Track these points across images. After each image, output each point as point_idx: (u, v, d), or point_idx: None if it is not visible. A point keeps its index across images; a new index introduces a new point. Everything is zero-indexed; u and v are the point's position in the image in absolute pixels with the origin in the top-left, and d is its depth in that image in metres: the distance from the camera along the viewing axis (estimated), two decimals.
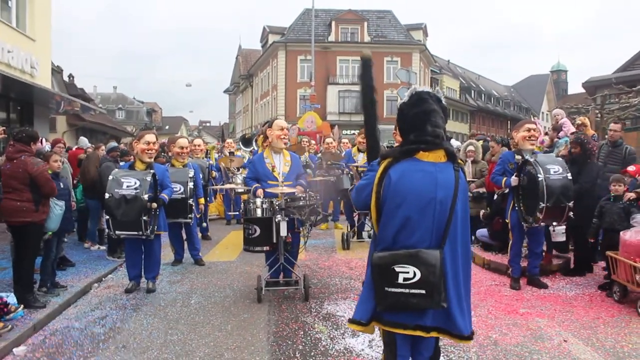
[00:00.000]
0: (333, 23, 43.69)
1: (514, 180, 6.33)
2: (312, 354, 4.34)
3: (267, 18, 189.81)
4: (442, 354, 4.27)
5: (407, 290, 2.77)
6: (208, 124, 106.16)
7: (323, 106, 38.43)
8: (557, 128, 9.52)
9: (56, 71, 25.95)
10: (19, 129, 5.81)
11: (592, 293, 6.18)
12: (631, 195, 6.12)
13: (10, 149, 5.73)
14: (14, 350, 4.44)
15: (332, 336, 4.75)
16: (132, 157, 7.50)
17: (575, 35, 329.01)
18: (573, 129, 9.07)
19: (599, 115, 25.21)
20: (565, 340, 4.63)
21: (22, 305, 5.04)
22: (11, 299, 4.94)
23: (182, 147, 7.88)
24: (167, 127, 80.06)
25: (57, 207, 5.77)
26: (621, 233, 5.76)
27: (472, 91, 63.26)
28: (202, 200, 8.24)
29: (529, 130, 6.48)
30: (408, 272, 2.77)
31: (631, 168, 6.75)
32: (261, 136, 10.40)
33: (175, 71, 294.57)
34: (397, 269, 2.78)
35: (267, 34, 47.68)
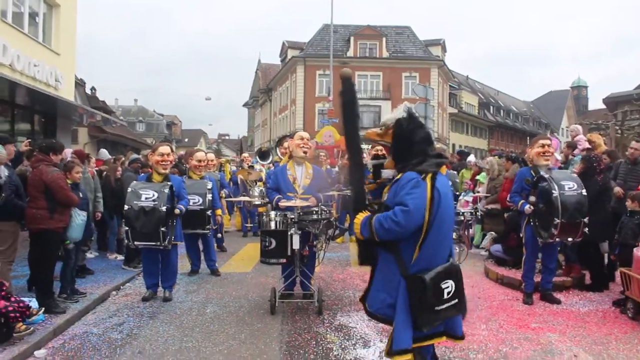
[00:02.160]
0: (352, 38, 44.00)
1: (527, 209, 6.35)
2: None
3: (286, 33, 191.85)
4: None
5: (450, 304, 2.94)
6: (227, 137, 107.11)
7: (341, 121, 38.63)
8: (572, 145, 9.51)
9: (79, 84, 26.55)
10: (42, 140, 6.04)
11: (606, 309, 6.16)
12: (628, 203, 6.24)
13: (33, 159, 5.97)
14: (35, 353, 4.60)
15: (343, 346, 4.82)
16: (150, 168, 7.70)
17: (595, 50, 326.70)
18: (586, 146, 9.05)
19: (619, 131, 25.03)
20: (575, 356, 4.64)
21: (43, 309, 5.19)
22: (33, 303, 5.09)
23: (199, 160, 8.06)
24: (186, 140, 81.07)
25: (79, 217, 5.97)
26: (635, 250, 5.76)
27: (491, 107, 63.04)
28: (219, 212, 8.37)
29: (543, 146, 6.52)
30: (449, 287, 2.93)
31: None
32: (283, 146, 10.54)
33: (195, 85, 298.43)
34: (443, 286, 2.94)
35: (286, 49, 48.18)
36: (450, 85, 51.65)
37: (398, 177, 3.22)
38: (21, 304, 4.73)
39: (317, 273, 7.42)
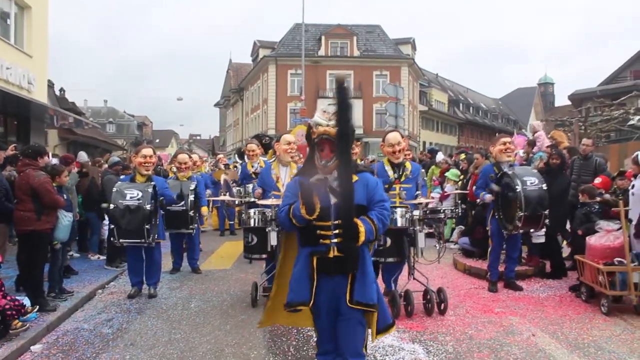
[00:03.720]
0: (323, 38, 44.38)
1: (487, 197, 6.84)
2: (305, 348, 4.78)
3: (257, 32, 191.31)
4: (421, 346, 4.76)
5: None
6: (198, 137, 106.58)
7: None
8: (531, 142, 10.05)
9: (48, 85, 26.31)
10: (27, 146, 6.26)
11: (563, 294, 6.68)
12: (580, 196, 6.90)
13: (19, 163, 6.20)
14: (32, 347, 4.85)
15: None
16: (131, 170, 7.95)
17: (562, 48, 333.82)
18: (547, 143, 9.59)
19: (583, 127, 25.93)
20: (533, 335, 5.11)
21: (37, 307, 5.44)
22: (26, 301, 5.32)
23: (180, 163, 8.34)
24: (157, 141, 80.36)
25: (65, 218, 6.21)
26: (587, 238, 6.28)
27: (461, 104, 64.19)
28: (204, 209, 8.68)
29: (504, 143, 7.01)
30: None
31: (597, 180, 7.28)
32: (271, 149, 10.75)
33: (166, 85, 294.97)
34: None
35: (257, 48, 48.30)
36: (420, 84, 52.46)
37: (355, 178, 3.41)
38: (17, 302, 4.98)
39: None
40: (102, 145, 33.61)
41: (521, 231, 6.75)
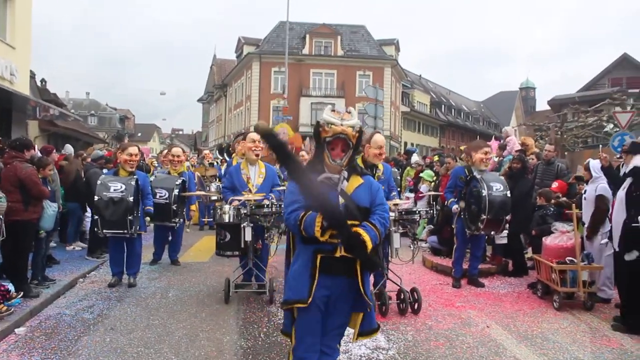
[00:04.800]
0: (307, 36, 44.70)
1: (454, 208, 7.22)
2: (275, 334, 5.12)
3: (242, 29, 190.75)
4: (383, 335, 5.12)
5: None
6: (181, 132, 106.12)
7: (295, 118, 39.26)
8: (502, 147, 10.51)
9: (30, 76, 26.18)
10: (15, 138, 6.48)
11: (521, 291, 7.11)
12: (538, 199, 7.37)
13: (6, 155, 6.43)
14: (16, 330, 5.12)
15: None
16: (114, 164, 8.20)
17: (544, 53, 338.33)
18: (517, 147, 10.05)
19: (559, 133, 26.59)
20: (488, 326, 5.52)
21: (22, 292, 5.69)
22: (11, 286, 5.57)
23: (173, 155, 8.62)
24: (139, 135, 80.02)
25: (50, 208, 6.47)
26: (543, 238, 6.72)
27: (443, 106, 64.95)
28: (193, 207, 8.97)
29: (485, 153, 7.27)
30: None
31: (554, 185, 7.73)
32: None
33: (149, 79, 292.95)
34: None
35: (242, 44, 48.43)
36: (403, 84, 53.02)
37: (360, 181, 3.56)
38: (2, 288, 5.25)
39: (270, 262, 8.08)
40: (83, 138, 33.43)
41: (482, 233, 7.13)
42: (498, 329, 5.46)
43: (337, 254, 3.34)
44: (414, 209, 6.49)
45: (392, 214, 5.74)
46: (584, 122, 26.45)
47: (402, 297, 5.93)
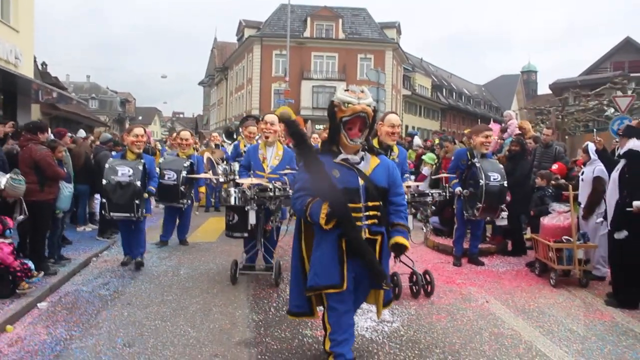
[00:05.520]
0: (308, 19, 44.56)
1: (457, 191, 7.33)
2: (284, 309, 5.33)
3: (243, 11, 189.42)
4: (388, 309, 5.35)
5: None
6: (181, 115, 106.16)
7: (297, 101, 39.32)
8: (503, 130, 10.70)
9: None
10: (30, 122, 6.68)
11: (520, 269, 7.37)
12: (538, 180, 7.55)
13: (22, 138, 6.65)
14: (38, 305, 5.39)
15: None
16: (123, 147, 8.39)
17: (546, 36, 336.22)
18: (517, 131, 10.24)
19: (560, 117, 26.70)
20: (487, 301, 5.78)
21: (42, 272, 5.94)
22: (31, 264, 5.81)
23: (182, 139, 8.84)
24: (140, 118, 79.99)
25: (66, 189, 6.71)
26: (541, 218, 6.96)
27: (444, 89, 64.88)
28: (202, 189, 9.18)
29: (486, 137, 7.44)
30: None
31: (554, 167, 7.94)
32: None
33: (150, 62, 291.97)
34: None
35: (243, 27, 48.31)
36: (404, 68, 52.96)
37: (377, 162, 3.65)
38: (25, 266, 5.51)
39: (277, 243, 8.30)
40: (84, 121, 33.51)
41: (479, 217, 7.33)
42: (497, 303, 5.73)
43: (362, 237, 3.47)
44: (426, 192, 6.52)
45: None
46: (585, 106, 26.55)
47: (414, 279, 5.97)
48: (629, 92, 22.79)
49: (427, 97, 59.48)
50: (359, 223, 3.44)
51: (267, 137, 6.69)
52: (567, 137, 23.20)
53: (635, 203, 5.42)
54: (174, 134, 11.35)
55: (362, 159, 3.60)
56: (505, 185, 7.19)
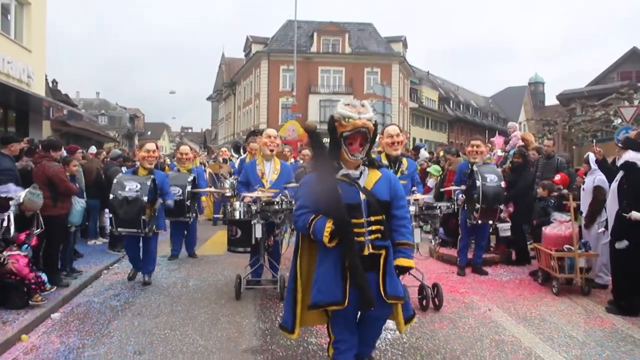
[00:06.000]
0: (315, 34, 45.00)
1: (460, 198, 7.50)
2: None
3: (250, 28, 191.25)
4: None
5: None
6: (190, 130, 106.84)
7: (304, 115, 39.56)
8: (507, 142, 10.84)
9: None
10: (45, 139, 6.91)
11: (523, 278, 7.46)
12: (539, 190, 7.70)
13: (36, 155, 6.88)
14: (52, 315, 5.57)
15: None
16: (132, 163, 8.61)
17: (553, 47, 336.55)
18: (520, 143, 10.37)
19: (567, 127, 26.75)
20: (489, 310, 5.89)
21: (55, 287, 6.12)
22: (44, 277, 5.99)
23: (181, 154, 9.05)
24: (149, 133, 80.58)
25: (78, 204, 6.92)
26: (543, 228, 7.06)
27: (451, 101, 65.00)
28: (203, 198, 9.32)
29: (472, 146, 7.68)
30: None
31: (557, 177, 8.06)
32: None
33: (158, 79, 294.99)
34: None
35: (250, 43, 48.84)
36: (411, 81, 53.21)
37: (378, 175, 3.64)
38: (40, 279, 5.70)
39: (282, 254, 8.42)
40: (94, 137, 34.01)
41: (479, 222, 7.37)
42: (499, 311, 5.83)
43: (365, 252, 3.46)
44: (435, 204, 6.49)
45: (412, 208, 5.74)
46: (592, 116, 26.59)
47: (423, 292, 5.90)
48: (636, 102, 22.83)
49: (435, 109, 59.62)
50: (362, 238, 3.43)
51: (271, 151, 6.72)
52: (574, 147, 23.20)
53: (635, 215, 5.50)
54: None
55: (361, 173, 3.59)
56: (503, 186, 7.30)
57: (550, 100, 68.97)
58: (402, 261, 3.61)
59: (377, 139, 4.84)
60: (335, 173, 3.54)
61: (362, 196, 3.49)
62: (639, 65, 39.47)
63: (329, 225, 3.35)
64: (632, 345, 4.78)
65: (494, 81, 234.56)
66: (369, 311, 3.59)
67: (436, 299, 5.90)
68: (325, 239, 3.36)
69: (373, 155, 4.14)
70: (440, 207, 6.30)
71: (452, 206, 7.09)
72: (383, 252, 3.57)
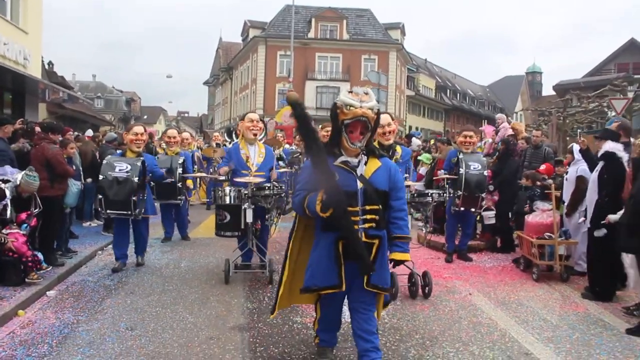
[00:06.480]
0: (313, 20, 44.93)
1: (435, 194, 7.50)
2: None
3: (248, 12, 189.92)
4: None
5: None
6: (186, 115, 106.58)
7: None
8: (497, 132, 11.01)
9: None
10: (46, 122, 7.05)
11: (506, 265, 7.69)
12: (523, 180, 7.84)
13: (36, 136, 7.04)
14: (47, 292, 5.77)
15: None
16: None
17: (552, 37, 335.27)
18: (509, 133, 10.54)
19: (561, 118, 26.92)
20: (470, 294, 6.11)
21: (50, 267, 6.33)
22: (40, 256, 6.16)
23: (169, 137, 9.17)
24: (145, 117, 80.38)
25: (74, 186, 7.11)
26: (525, 216, 7.28)
27: (448, 90, 65.06)
28: (189, 182, 9.48)
29: (465, 137, 7.76)
30: None
31: (542, 167, 8.26)
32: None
33: (156, 62, 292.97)
34: None
35: (247, 28, 48.70)
36: (408, 68, 53.22)
37: (378, 164, 3.63)
38: (36, 258, 5.89)
39: (273, 238, 8.50)
40: (90, 120, 33.89)
41: (462, 209, 7.51)
42: (479, 296, 6.05)
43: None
44: (426, 192, 6.59)
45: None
46: (586, 107, 26.77)
47: (412, 280, 5.91)
48: (630, 95, 22.98)
49: (431, 97, 59.72)
50: (355, 227, 3.44)
51: (254, 135, 6.70)
52: (568, 138, 23.39)
53: (612, 217, 5.68)
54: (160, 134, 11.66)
55: (359, 162, 3.59)
56: (485, 174, 7.45)
57: (548, 90, 69.09)
58: (397, 255, 3.66)
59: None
60: (321, 142, 3.54)
61: (360, 184, 3.50)
62: (637, 57, 39.61)
63: (321, 194, 3.33)
64: (602, 328, 5.01)
65: (492, 70, 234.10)
66: (354, 300, 3.67)
67: (426, 288, 5.92)
68: (318, 207, 3.33)
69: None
70: (432, 195, 6.41)
71: (444, 194, 7.12)
72: (376, 241, 3.59)
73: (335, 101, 3.56)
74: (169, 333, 4.68)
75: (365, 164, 3.59)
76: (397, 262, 3.71)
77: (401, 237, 3.65)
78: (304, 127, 3.46)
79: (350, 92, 3.52)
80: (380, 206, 3.56)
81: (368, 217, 3.49)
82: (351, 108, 3.42)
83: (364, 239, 3.46)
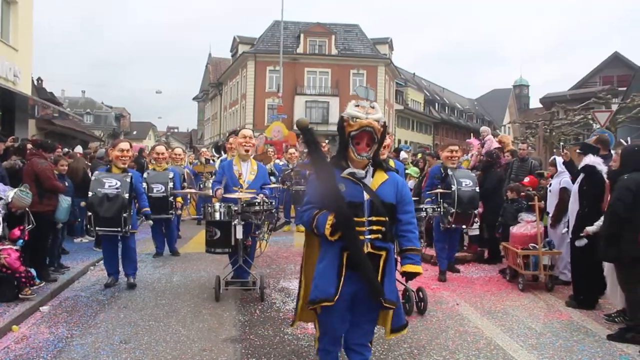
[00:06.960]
0: (302, 35, 45.28)
1: (429, 209, 7.30)
2: (269, 311, 5.83)
3: (237, 28, 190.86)
4: None
5: None
6: (176, 130, 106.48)
7: (290, 116, 39.71)
8: (482, 145, 11.24)
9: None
10: (40, 139, 7.14)
11: (493, 276, 7.85)
12: (508, 193, 8.06)
13: (28, 152, 7.14)
14: (41, 308, 5.84)
15: (284, 301, 6.27)
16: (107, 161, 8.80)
17: (538, 50, 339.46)
18: (495, 145, 10.78)
19: (548, 131, 27.30)
20: (457, 304, 6.25)
21: (43, 282, 6.38)
22: (33, 272, 6.23)
23: (158, 153, 9.26)
24: (135, 133, 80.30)
25: (64, 202, 7.17)
26: (511, 228, 7.45)
27: (437, 104, 65.55)
28: (179, 200, 9.58)
29: (451, 151, 7.77)
30: None
31: (526, 180, 8.46)
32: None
33: (145, 78, 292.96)
34: None
35: (237, 43, 49.01)
36: (396, 83, 53.65)
37: (385, 177, 3.65)
38: (30, 274, 5.96)
39: (264, 253, 8.55)
40: (79, 136, 33.83)
41: (453, 226, 7.56)
42: (466, 306, 6.19)
43: (364, 251, 3.46)
44: (420, 206, 6.59)
45: None
46: (572, 119, 27.20)
47: (407, 295, 5.87)
48: (614, 107, 23.39)
49: (420, 111, 60.16)
50: (361, 237, 3.46)
51: (247, 151, 6.76)
52: (554, 150, 23.72)
53: (590, 228, 5.85)
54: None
55: (367, 173, 3.63)
56: (477, 190, 7.55)
57: (535, 103, 69.81)
58: (410, 267, 3.65)
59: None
60: (332, 168, 3.59)
61: (366, 196, 3.53)
62: (620, 70, 40.25)
63: (330, 219, 3.38)
64: (584, 335, 5.17)
65: (480, 84, 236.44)
66: (358, 315, 3.64)
67: (421, 303, 5.87)
68: (327, 232, 3.39)
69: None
70: (426, 210, 6.43)
71: (439, 209, 7.19)
72: (383, 253, 3.57)
73: (342, 114, 3.63)
74: (163, 346, 4.77)
75: (372, 176, 3.65)
76: (410, 275, 3.73)
77: (412, 249, 3.67)
78: (314, 153, 3.55)
79: (357, 105, 3.60)
80: (387, 218, 3.59)
81: (374, 228, 3.52)
82: (357, 120, 3.50)
83: (370, 249, 3.48)
